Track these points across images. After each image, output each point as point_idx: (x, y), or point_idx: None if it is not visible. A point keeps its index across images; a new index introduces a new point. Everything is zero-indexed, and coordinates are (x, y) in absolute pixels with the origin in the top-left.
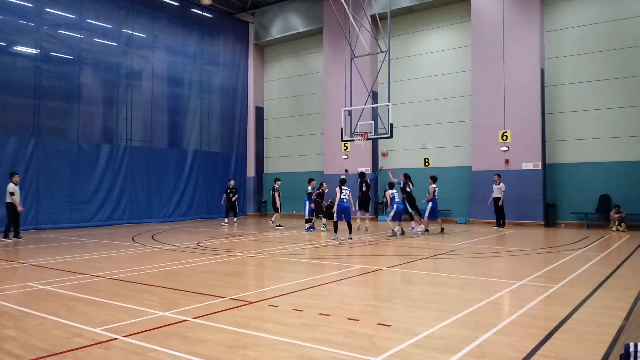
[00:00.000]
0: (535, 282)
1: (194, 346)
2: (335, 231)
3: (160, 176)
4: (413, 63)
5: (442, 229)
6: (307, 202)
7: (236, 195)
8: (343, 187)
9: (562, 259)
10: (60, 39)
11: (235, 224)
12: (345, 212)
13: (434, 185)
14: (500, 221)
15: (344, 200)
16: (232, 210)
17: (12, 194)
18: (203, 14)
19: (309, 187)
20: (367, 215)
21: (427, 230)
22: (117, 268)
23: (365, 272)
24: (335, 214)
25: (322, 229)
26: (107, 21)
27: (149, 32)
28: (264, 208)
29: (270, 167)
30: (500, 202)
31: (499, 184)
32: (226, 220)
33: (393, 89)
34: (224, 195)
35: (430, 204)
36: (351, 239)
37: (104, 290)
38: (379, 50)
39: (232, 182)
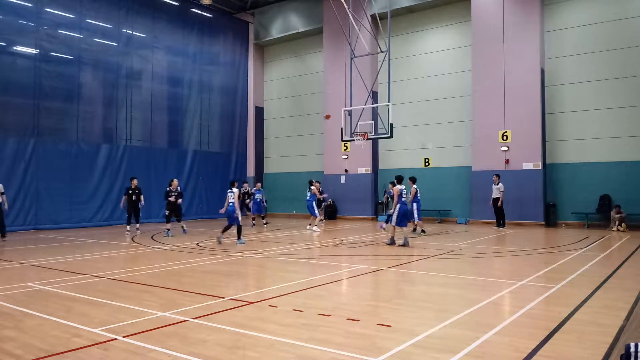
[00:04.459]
0: (536, 282)
1: (194, 346)
2: (224, 231)
3: (160, 176)
4: (413, 63)
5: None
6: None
7: (141, 197)
8: (230, 190)
9: (563, 259)
10: (60, 39)
11: (138, 232)
12: (229, 216)
13: (415, 186)
14: (500, 221)
15: (231, 204)
16: (134, 215)
17: (2, 193)
18: (203, 13)
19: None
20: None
21: (423, 230)
22: (117, 268)
23: (365, 272)
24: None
25: (313, 228)
26: (107, 21)
27: (149, 32)
28: (263, 208)
29: (270, 167)
30: (499, 203)
31: (497, 184)
32: (128, 227)
33: (393, 89)
34: (124, 197)
35: (399, 207)
36: (243, 243)
37: (103, 290)
38: (379, 50)
39: (134, 181)
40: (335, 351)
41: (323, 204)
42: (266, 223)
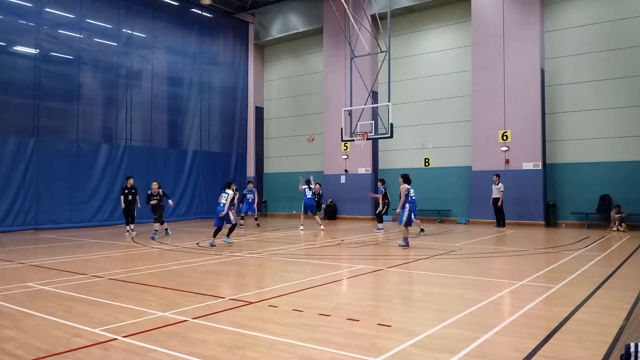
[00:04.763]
0: (536, 282)
1: (194, 346)
2: (214, 236)
3: (160, 176)
4: (413, 63)
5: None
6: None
7: (136, 197)
8: (225, 191)
9: (563, 259)
10: (60, 39)
11: (133, 233)
12: (215, 216)
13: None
14: (500, 221)
15: (219, 204)
16: (129, 216)
17: None
18: (203, 13)
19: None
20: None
21: (422, 229)
22: (117, 268)
23: (365, 272)
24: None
25: (321, 227)
26: (107, 21)
27: (149, 32)
28: (264, 208)
29: (270, 167)
30: (499, 203)
31: (497, 184)
32: (127, 228)
33: (393, 89)
34: (121, 197)
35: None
36: (213, 245)
37: (103, 290)
38: (379, 50)
39: (130, 180)
40: (335, 351)
41: (322, 205)
42: (258, 225)
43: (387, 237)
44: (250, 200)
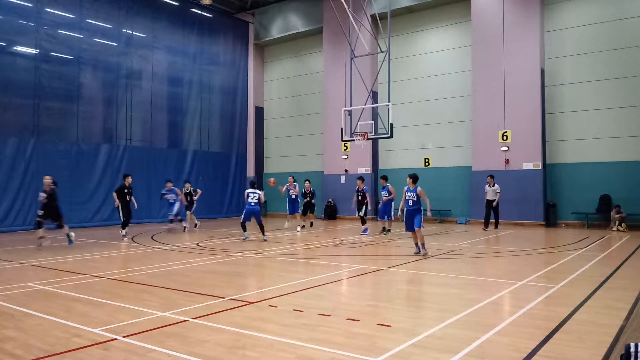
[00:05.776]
0: (536, 282)
1: (194, 347)
2: (244, 230)
3: (160, 176)
4: (413, 63)
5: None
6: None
7: (131, 197)
8: (251, 190)
9: (563, 259)
10: (60, 39)
11: (126, 237)
12: (253, 214)
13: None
14: (489, 222)
15: (251, 203)
16: (126, 217)
17: None
18: (203, 13)
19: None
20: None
21: (389, 230)
22: (117, 268)
23: (365, 272)
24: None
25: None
26: (107, 21)
27: (149, 32)
28: (264, 208)
29: (270, 167)
30: (495, 204)
31: (493, 186)
32: (123, 231)
33: (393, 89)
34: (114, 194)
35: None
36: (264, 240)
37: (103, 290)
38: (379, 50)
39: (128, 179)
40: (335, 351)
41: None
42: (185, 228)
43: (388, 237)
44: (171, 201)
